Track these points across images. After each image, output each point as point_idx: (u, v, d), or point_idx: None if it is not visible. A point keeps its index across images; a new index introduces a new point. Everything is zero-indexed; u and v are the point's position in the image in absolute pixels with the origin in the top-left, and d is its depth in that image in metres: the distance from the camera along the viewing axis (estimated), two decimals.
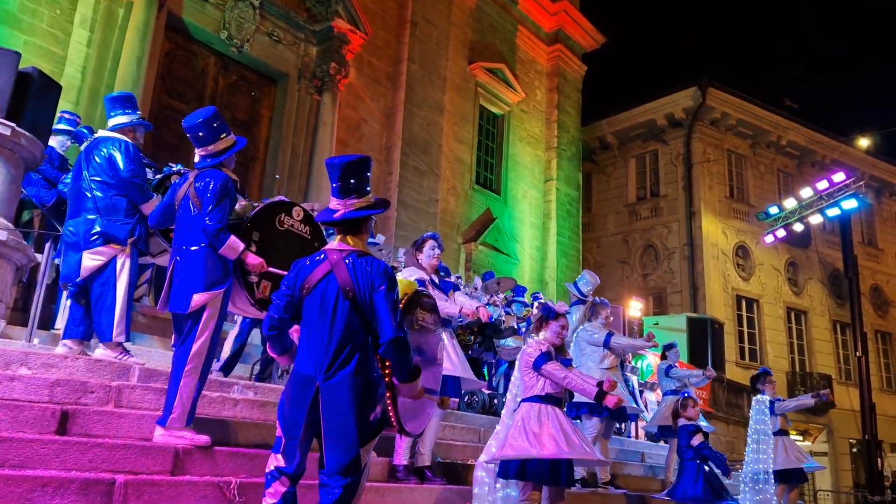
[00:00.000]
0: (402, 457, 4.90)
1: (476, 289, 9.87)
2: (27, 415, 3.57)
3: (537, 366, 4.47)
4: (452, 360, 5.05)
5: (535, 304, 9.89)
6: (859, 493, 18.02)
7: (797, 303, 22.74)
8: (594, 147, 23.96)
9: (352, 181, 3.14)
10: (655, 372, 11.10)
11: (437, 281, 5.25)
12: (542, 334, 4.74)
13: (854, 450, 21.68)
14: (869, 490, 13.40)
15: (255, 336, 6.16)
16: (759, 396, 7.68)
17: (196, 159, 4.21)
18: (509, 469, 4.40)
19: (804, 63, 51.50)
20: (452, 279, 8.96)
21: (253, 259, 4.14)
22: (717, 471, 6.10)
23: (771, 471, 7.22)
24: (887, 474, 14.28)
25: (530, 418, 4.39)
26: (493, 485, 4.57)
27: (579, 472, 6.33)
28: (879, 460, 13.44)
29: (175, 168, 5.25)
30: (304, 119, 13.45)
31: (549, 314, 4.77)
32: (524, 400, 4.52)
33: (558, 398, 4.54)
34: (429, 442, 5.03)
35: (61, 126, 6.24)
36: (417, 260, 5.27)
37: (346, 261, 3.05)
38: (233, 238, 4.00)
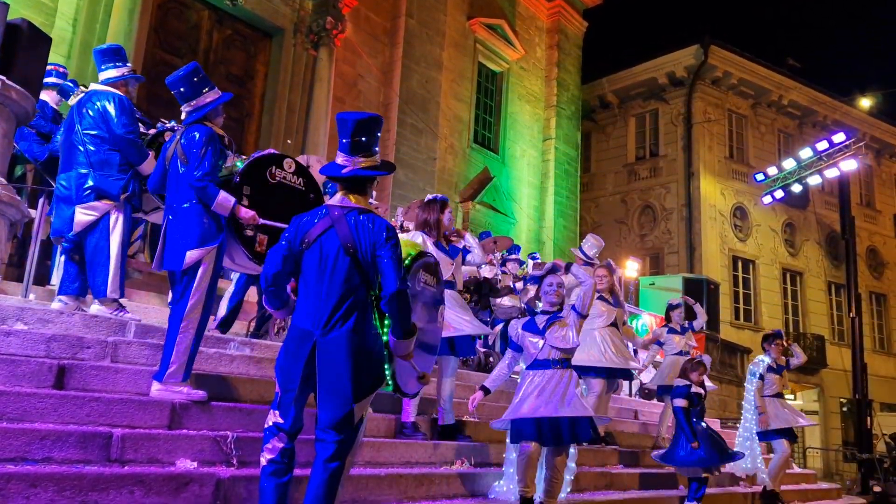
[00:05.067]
0: (409, 414, 4.98)
1: None
2: (24, 369, 3.58)
3: (528, 328, 4.61)
4: (460, 318, 5.07)
5: (531, 262, 9.89)
6: (848, 450, 18.36)
7: (793, 264, 22.81)
8: (594, 106, 23.72)
9: (362, 139, 3.14)
10: (651, 332, 11.17)
11: (445, 246, 5.22)
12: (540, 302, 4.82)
13: (844, 408, 22.01)
14: (858, 447, 13.64)
15: (252, 294, 6.18)
16: (756, 359, 7.76)
17: (183, 116, 4.18)
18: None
19: (807, 21, 50.75)
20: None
21: (245, 212, 4.14)
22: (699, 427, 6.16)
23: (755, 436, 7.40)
24: (877, 433, 14.51)
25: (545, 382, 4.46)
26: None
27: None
28: (869, 419, 13.65)
29: (168, 125, 5.19)
30: (301, 75, 13.27)
31: (533, 282, 4.84)
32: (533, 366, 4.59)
33: (558, 358, 4.57)
34: (447, 399, 5.15)
35: (51, 80, 6.14)
36: (427, 219, 5.22)
37: (348, 217, 3.05)
38: (222, 194, 3.99)
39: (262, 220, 4.26)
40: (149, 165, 4.56)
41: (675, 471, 6.37)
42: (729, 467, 7.39)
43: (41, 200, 5.60)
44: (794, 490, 8.50)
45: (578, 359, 6.56)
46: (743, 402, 7.92)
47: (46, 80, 5.94)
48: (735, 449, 7.50)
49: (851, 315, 14.42)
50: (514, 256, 9.88)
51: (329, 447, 2.94)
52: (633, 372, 7.79)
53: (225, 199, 4.00)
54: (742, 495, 7.55)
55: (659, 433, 7.83)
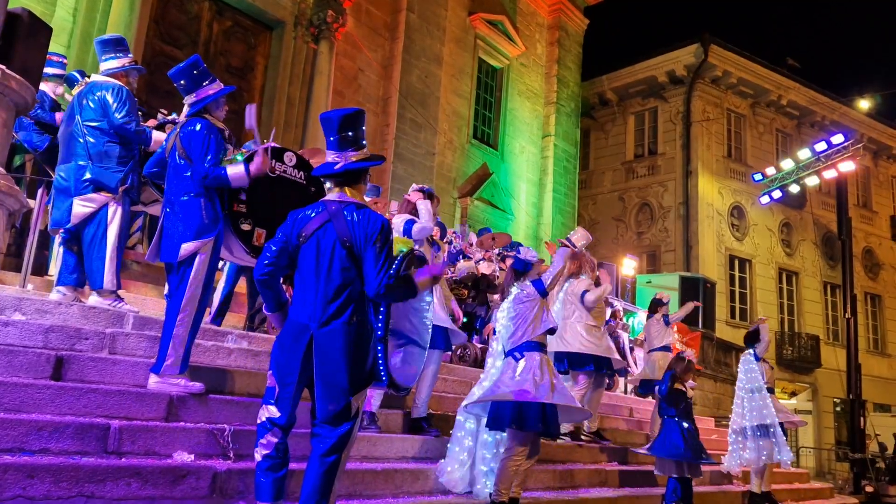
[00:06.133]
0: (372, 405, 4.91)
1: (471, 244, 9.88)
2: (22, 360, 3.59)
3: (541, 289, 4.60)
4: (439, 313, 5.08)
5: None
6: (841, 449, 18.44)
7: (789, 264, 22.87)
8: (593, 103, 23.71)
9: (349, 133, 3.17)
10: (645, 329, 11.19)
11: (434, 239, 5.25)
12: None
13: (838, 408, 22.10)
14: (851, 447, 13.70)
15: (244, 285, 6.16)
16: (745, 353, 7.75)
17: (185, 109, 4.19)
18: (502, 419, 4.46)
19: (807, 21, 50.76)
20: (449, 234, 9.02)
21: (257, 166, 4.08)
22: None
23: (777, 423, 7.33)
24: (869, 433, 14.58)
25: (531, 367, 4.42)
26: (474, 430, 4.66)
27: (565, 426, 6.44)
28: (862, 419, 13.72)
29: (170, 117, 5.20)
30: (301, 68, 13.23)
31: (525, 267, 4.79)
32: (521, 349, 4.53)
33: (544, 344, 4.60)
34: (425, 394, 5.10)
35: (50, 70, 6.12)
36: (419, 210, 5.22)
37: (345, 212, 3.07)
38: (229, 170, 3.98)
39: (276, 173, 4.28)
40: (156, 143, 4.55)
41: (654, 470, 6.30)
42: (726, 465, 7.43)
43: (40, 190, 5.59)
44: (786, 489, 8.55)
45: (570, 347, 6.58)
46: (743, 399, 7.77)
47: (46, 69, 5.93)
48: (731, 446, 7.53)
49: (846, 315, 14.48)
50: (513, 253, 9.88)
51: (326, 442, 2.95)
52: (629, 369, 7.79)
53: (236, 172, 4.00)
54: (735, 493, 7.60)
55: (652, 431, 7.84)
